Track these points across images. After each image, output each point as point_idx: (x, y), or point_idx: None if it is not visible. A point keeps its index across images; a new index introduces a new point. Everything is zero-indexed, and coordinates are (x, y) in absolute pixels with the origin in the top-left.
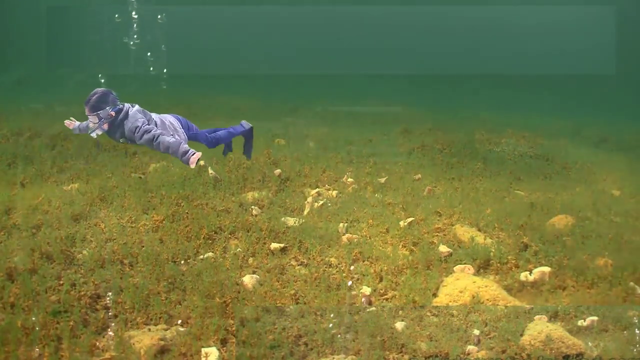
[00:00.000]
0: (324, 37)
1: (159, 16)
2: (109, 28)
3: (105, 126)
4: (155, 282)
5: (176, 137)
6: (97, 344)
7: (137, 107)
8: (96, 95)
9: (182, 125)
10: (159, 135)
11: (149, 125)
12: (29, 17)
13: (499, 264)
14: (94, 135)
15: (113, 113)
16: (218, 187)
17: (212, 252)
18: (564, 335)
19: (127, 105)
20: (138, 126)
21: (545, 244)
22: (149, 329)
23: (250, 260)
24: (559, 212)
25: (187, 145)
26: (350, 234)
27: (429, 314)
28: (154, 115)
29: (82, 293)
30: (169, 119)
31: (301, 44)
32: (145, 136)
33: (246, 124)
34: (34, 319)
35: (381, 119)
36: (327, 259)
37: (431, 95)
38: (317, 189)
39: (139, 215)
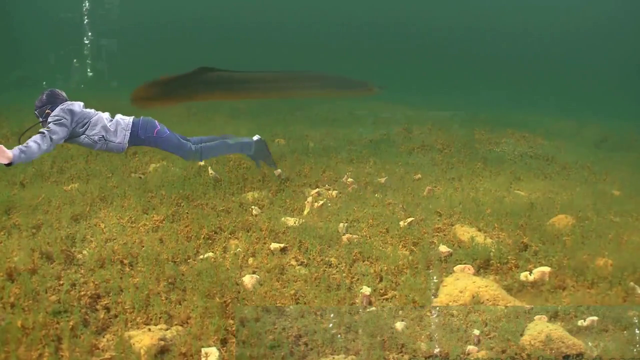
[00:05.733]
0: (323, 35)
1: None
2: (109, 28)
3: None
4: (155, 282)
5: (111, 137)
6: (97, 344)
7: (64, 105)
8: (41, 96)
9: (134, 127)
10: (44, 136)
11: (53, 125)
12: (29, 17)
13: (499, 264)
14: None
15: (50, 111)
16: (218, 187)
17: (212, 252)
18: (564, 335)
19: (66, 104)
20: (47, 121)
21: (545, 244)
22: (149, 329)
23: (250, 260)
24: (559, 212)
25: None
26: (350, 234)
27: (429, 314)
28: (102, 114)
29: (82, 293)
30: (116, 117)
31: (301, 43)
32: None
33: (255, 138)
34: (34, 319)
35: (381, 118)
36: (327, 259)
37: (431, 95)
38: (317, 189)
39: (139, 215)
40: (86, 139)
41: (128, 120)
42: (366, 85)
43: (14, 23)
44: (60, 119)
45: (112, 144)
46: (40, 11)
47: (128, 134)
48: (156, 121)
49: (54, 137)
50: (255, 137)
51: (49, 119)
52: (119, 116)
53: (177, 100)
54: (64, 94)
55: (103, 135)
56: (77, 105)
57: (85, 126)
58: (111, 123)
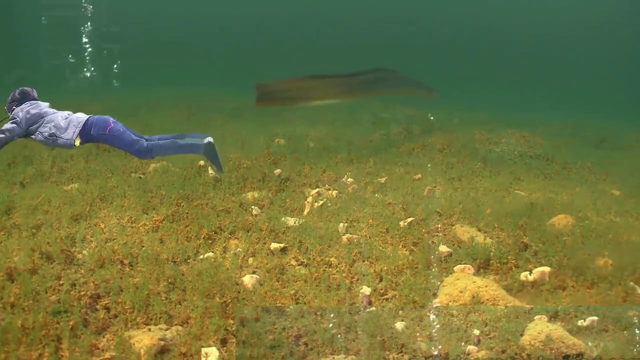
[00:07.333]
0: (324, 34)
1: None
2: (107, 30)
3: None
4: (155, 282)
5: (61, 134)
6: (97, 344)
7: (25, 104)
8: (13, 93)
9: (86, 125)
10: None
11: (8, 124)
12: (29, 18)
13: (499, 264)
14: None
15: (15, 108)
16: (218, 187)
17: (212, 252)
18: (564, 335)
19: (27, 105)
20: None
21: (545, 244)
22: (149, 329)
23: (250, 260)
24: (559, 212)
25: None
26: (350, 234)
27: (428, 314)
28: (60, 112)
29: (82, 293)
30: (72, 115)
31: (301, 42)
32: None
33: (204, 139)
34: (34, 319)
35: (381, 118)
36: (327, 259)
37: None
38: (317, 189)
39: (139, 215)
40: (39, 135)
41: (82, 118)
42: (428, 87)
43: (14, 23)
44: (15, 119)
45: (61, 141)
46: (42, 10)
47: (78, 130)
48: (111, 119)
49: (5, 134)
50: (206, 140)
51: (10, 117)
52: (76, 114)
53: (287, 104)
54: (34, 93)
55: (53, 132)
56: (39, 107)
57: (38, 124)
58: (64, 120)
